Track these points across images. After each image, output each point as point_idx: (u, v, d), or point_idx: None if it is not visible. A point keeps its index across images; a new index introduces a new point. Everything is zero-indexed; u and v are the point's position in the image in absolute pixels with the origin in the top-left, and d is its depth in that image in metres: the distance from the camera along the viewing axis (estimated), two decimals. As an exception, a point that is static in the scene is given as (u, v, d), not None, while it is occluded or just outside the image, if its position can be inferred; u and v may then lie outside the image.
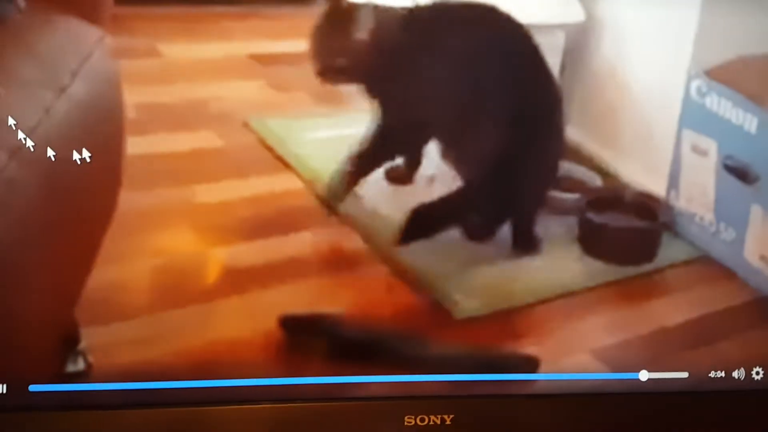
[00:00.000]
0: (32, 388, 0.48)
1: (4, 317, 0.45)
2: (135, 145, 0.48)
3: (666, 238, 0.54)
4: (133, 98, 0.48)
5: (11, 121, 0.46)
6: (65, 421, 0.48)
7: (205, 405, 0.49)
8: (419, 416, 0.49)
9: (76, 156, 0.47)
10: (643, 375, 0.51)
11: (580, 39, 0.51)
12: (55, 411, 0.47)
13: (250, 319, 0.50)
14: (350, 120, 0.51)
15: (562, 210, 0.53)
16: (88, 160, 0.47)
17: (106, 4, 0.48)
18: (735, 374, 0.51)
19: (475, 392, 0.51)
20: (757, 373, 0.51)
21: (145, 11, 0.48)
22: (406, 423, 0.49)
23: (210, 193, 0.50)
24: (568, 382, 0.51)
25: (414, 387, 0.50)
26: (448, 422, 0.49)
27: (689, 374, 0.52)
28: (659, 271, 0.54)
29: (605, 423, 0.51)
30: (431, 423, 0.49)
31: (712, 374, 0.51)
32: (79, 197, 0.48)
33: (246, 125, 0.50)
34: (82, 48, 0.47)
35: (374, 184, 0.52)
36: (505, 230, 0.53)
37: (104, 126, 0.48)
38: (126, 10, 0.48)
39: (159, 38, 0.49)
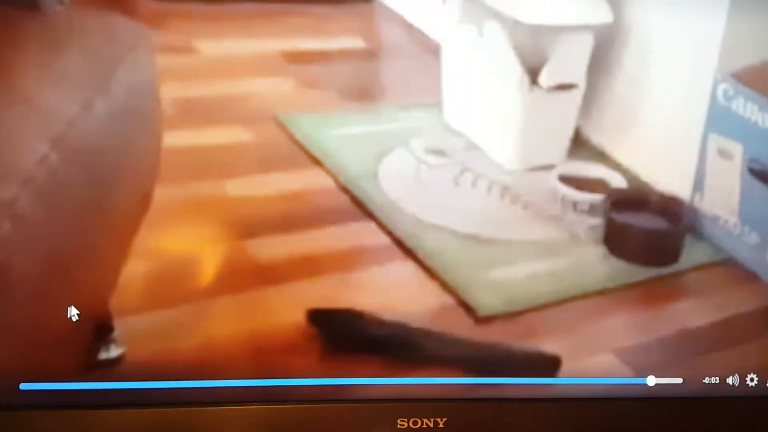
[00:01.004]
0: (23, 386, 0.49)
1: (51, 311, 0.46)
2: (169, 139, 0.49)
3: (690, 241, 0.54)
4: (168, 93, 0.49)
5: (52, 114, 0.47)
6: (54, 421, 0.49)
7: (198, 405, 0.49)
8: (412, 419, 0.49)
9: (115, 148, 0.48)
10: (650, 380, 0.51)
11: (607, 41, 0.52)
12: (45, 410, 0.49)
13: (271, 315, 0.51)
14: (379, 117, 0.51)
15: (586, 211, 0.53)
16: (127, 152, 0.48)
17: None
18: (747, 380, 0.52)
19: (469, 395, 0.51)
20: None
21: (181, 8, 0.49)
22: (398, 426, 0.49)
23: (239, 187, 0.50)
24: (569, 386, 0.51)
25: (407, 389, 0.50)
26: (441, 425, 0.49)
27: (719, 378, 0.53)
28: (683, 273, 0.53)
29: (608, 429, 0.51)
30: (424, 426, 0.49)
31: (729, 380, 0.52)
32: (117, 189, 0.49)
33: (276, 121, 0.51)
34: (123, 43, 0.48)
35: (401, 182, 0.52)
36: (535, 231, 0.53)
37: (143, 120, 0.49)
38: (163, 6, 0.49)
39: (195, 35, 0.49)
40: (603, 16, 0.51)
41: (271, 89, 0.51)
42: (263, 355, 0.51)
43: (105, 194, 0.49)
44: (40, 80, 0.48)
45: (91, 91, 0.48)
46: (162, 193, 0.50)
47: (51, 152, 0.45)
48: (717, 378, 0.53)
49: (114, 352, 0.50)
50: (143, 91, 0.49)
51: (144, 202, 0.49)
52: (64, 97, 0.48)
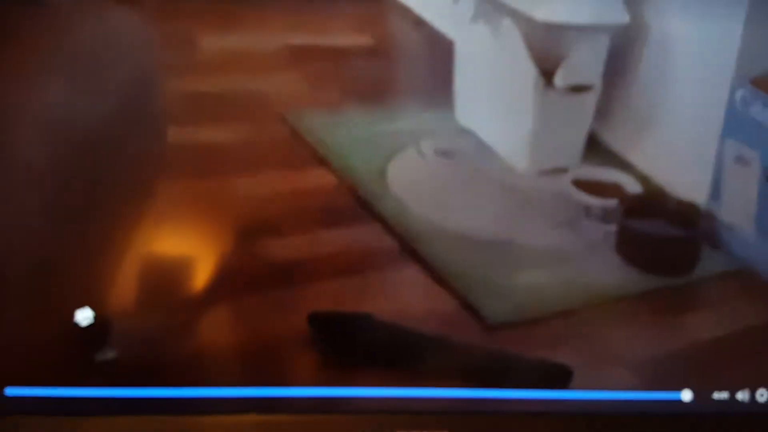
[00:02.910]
0: (8, 392, 0.48)
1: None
2: (172, 136, 0.48)
3: (706, 249, 0.53)
4: (171, 89, 0.48)
5: (49, 106, 0.46)
6: (40, 427, 0.48)
7: (192, 414, 0.49)
8: (412, 432, 0.47)
9: (116, 143, 0.47)
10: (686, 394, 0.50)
11: (624, 43, 0.51)
12: (31, 416, 0.48)
13: (272, 319, 0.50)
14: (388, 116, 0.50)
15: (599, 216, 0.52)
16: (128, 148, 0.47)
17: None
18: (757, 395, 0.51)
19: (474, 408, 0.50)
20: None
21: (186, 1, 0.48)
22: (399, 438, 0.47)
23: (242, 186, 0.49)
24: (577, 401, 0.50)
25: (409, 401, 0.50)
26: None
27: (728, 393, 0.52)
28: (698, 281, 0.52)
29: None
30: (426, 439, 0.47)
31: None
32: (116, 184, 0.48)
33: (282, 118, 0.49)
34: (124, 36, 0.47)
35: (410, 183, 0.51)
36: (547, 234, 0.52)
37: (144, 116, 0.48)
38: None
39: (199, 29, 0.48)
40: (619, 16, 0.50)
41: (277, 86, 0.49)
42: (261, 362, 0.50)
43: (103, 190, 0.48)
44: (39, 74, 0.47)
45: (91, 84, 0.47)
46: (164, 191, 0.49)
47: (49, 146, 0.44)
48: (727, 393, 0.51)
49: (107, 354, 0.49)
50: (145, 86, 0.48)
51: (145, 199, 0.48)
52: (64, 91, 0.47)
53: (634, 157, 0.52)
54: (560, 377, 0.51)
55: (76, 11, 0.47)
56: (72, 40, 0.47)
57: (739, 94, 0.52)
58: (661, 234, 0.53)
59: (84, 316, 0.48)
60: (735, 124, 0.52)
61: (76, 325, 0.49)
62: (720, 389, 0.52)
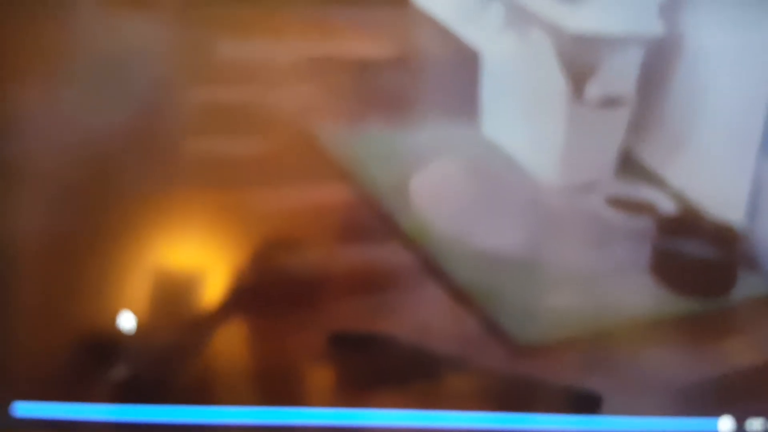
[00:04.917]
0: (17, 406, 0.48)
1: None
2: (188, 146, 0.47)
3: (743, 271, 0.51)
4: (188, 97, 0.47)
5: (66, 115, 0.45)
6: None
7: None
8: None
9: (126, 149, 0.46)
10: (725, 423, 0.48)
11: (658, 56, 0.49)
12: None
13: (289, 337, 0.48)
14: (412, 128, 0.49)
15: (632, 236, 0.50)
16: (139, 154, 0.47)
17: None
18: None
19: None
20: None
21: (204, 7, 0.47)
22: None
23: (261, 200, 0.48)
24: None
25: (429, 425, 0.49)
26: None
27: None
28: (735, 305, 0.50)
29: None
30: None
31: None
32: (124, 193, 0.47)
33: (303, 131, 0.48)
34: (139, 42, 0.46)
35: (434, 198, 0.49)
36: (573, 256, 0.50)
37: (162, 126, 0.47)
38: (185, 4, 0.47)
39: (219, 38, 0.47)
40: (653, 27, 0.49)
41: (298, 98, 0.48)
42: (278, 382, 0.49)
43: (119, 203, 0.48)
44: (56, 81, 0.47)
45: (110, 93, 0.47)
46: (180, 205, 0.48)
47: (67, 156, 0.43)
48: (763, 420, 0.50)
49: (119, 372, 0.48)
50: (164, 96, 0.47)
51: (161, 213, 0.47)
52: (81, 99, 0.46)
53: (669, 174, 0.50)
54: (589, 403, 0.49)
55: (93, 19, 0.46)
56: (89, 47, 0.47)
57: (778, 110, 0.50)
58: (696, 255, 0.51)
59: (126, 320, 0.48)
60: (773, 142, 0.50)
61: (91, 341, 0.48)
62: (757, 416, 0.50)
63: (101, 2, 0.47)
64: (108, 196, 0.47)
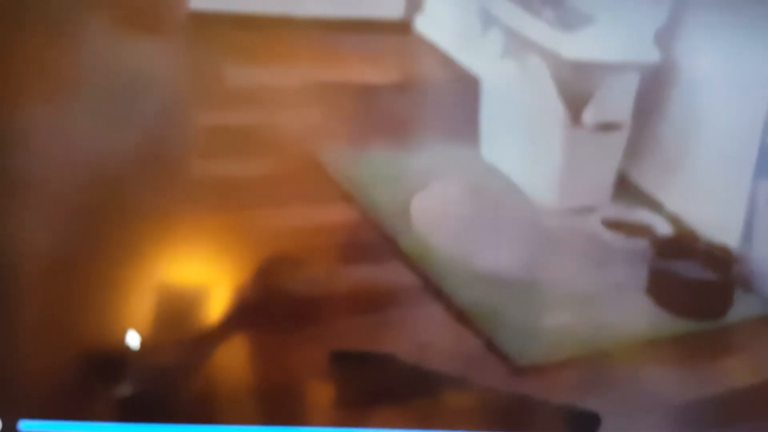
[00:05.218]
0: (23, 425, 0.47)
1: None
2: (196, 167, 0.48)
3: (739, 292, 0.51)
4: (196, 120, 0.48)
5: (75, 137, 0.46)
6: None
7: None
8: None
9: (136, 171, 0.47)
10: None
11: (654, 82, 0.50)
12: None
13: (291, 355, 0.49)
14: (414, 152, 0.50)
15: (629, 256, 0.51)
16: (148, 176, 0.47)
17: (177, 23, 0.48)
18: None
19: None
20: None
21: (212, 33, 0.49)
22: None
23: (267, 220, 0.49)
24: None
25: None
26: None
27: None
28: (732, 326, 0.51)
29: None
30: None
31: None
32: (132, 212, 0.48)
33: (308, 153, 0.49)
34: (149, 66, 0.48)
35: (434, 220, 0.50)
36: (572, 277, 0.51)
37: (171, 147, 0.48)
38: (194, 30, 0.48)
39: (227, 62, 0.49)
40: (649, 54, 0.50)
41: (304, 121, 0.50)
42: (280, 400, 0.49)
43: (126, 222, 0.48)
44: (66, 103, 0.48)
45: (119, 115, 0.48)
46: (186, 225, 0.49)
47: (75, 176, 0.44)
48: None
49: (124, 390, 0.48)
50: (172, 118, 0.48)
51: (167, 233, 0.48)
52: (91, 121, 0.47)
53: (665, 198, 0.51)
54: (588, 422, 0.49)
55: (103, 42, 0.47)
56: (100, 71, 0.48)
57: (773, 135, 0.51)
58: (692, 277, 0.51)
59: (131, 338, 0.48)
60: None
61: (94, 360, 0.48)
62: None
63: (113, 26, 0.48)
64: (117, 215, 0.48)
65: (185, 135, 0.49)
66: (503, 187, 0.51)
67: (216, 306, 0.49)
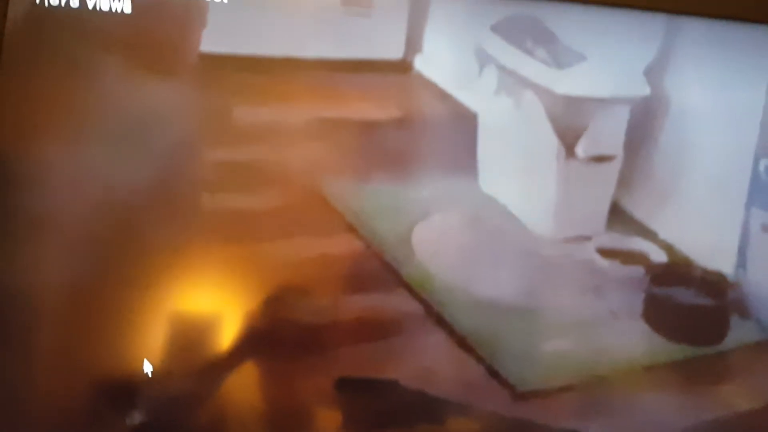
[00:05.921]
0: None
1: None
2: (205, 201, 0.50)
3: (735, 319, 0.52)
4: (206, 157, 0.51)
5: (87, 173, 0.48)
6: None
7: None
8: None
9: (152, 209, 0.48)
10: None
11: (645, 113, 0.52)
12: None
13: (296, 382, 0.50)
14: (414, 184, 0.51)
15: (625, 284, 0.52)
16: (160, 211, 0.49)
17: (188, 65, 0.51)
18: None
19: None
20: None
21: (222, 75, 0.51)
22: None
23: (273, 251, 0.50)
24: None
25: None
26: None
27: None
28: (729, 352, 0.51)
29: None
30: None
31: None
32: (145, 244, 0.49)
33: (313, 187, 0.51)
34: (161, 106, 0.50)
35: (435, 249, 0.52)
36: (573, 303, 0.52)
37: (178, 181, 0.50)
38: (204, 73, 0.51)
39: (234, 101, 0.51)
40: (639, 89, 0.51)
41: (308, 156, 0.51)
42: (285, 426, 0.50)
43: (136, 254, 0.50)
44: (79, 140, 0.50)
45: (130, 152, 0.49)
46: (195, 256, 0.50)
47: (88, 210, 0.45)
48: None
49: (136, 417, 0.49)
50: (182, 154, 0.50)
51: (176, 264, 0.50)
52: (102, 157, 0.49)
53: (658, 226, 0.52)
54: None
55: (118, 83, 0.50)
56: (114, 110, 0.50)
57: (763, 164, 0.52)
58: (688, 303, 0.52)
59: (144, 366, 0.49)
60: (760, 194, 0.52)
61: (108, 388, 0.50)
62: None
63: (128, 68, 0.50)
64: (131, 248, 0.50)
65: (196, 171, 0.51)
66: (501, 217, 0.52)
67: (226, 335, 0.50)
